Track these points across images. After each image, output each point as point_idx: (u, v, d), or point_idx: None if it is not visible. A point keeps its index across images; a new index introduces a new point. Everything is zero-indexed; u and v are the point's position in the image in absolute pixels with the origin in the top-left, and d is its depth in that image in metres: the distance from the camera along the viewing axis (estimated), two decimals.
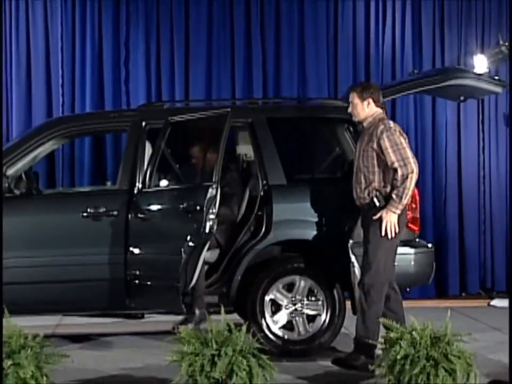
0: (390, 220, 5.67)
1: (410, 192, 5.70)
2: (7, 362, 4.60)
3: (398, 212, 5.69)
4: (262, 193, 6.47)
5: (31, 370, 4.61)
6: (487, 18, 9.47)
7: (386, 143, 5.72)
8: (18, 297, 6.07)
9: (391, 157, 5.70)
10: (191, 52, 9.23)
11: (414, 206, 6.48)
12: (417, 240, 6.63)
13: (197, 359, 4.82)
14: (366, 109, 5.90)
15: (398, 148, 5.71)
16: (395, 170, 5.70)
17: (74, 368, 5.54)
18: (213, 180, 5.93)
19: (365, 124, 5.94)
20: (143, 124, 6.50)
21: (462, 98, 7.40)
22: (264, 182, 6.46)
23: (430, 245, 6.77)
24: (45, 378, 4.67)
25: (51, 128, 6.60)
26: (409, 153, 5.72)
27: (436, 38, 9.47)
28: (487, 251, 9.49)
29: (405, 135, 5.84)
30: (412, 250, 6.47)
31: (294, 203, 6.46)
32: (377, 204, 5.73)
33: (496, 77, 7.53)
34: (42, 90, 9.09)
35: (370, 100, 5.88)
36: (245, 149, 7.06)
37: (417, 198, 6.56)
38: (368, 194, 5.81)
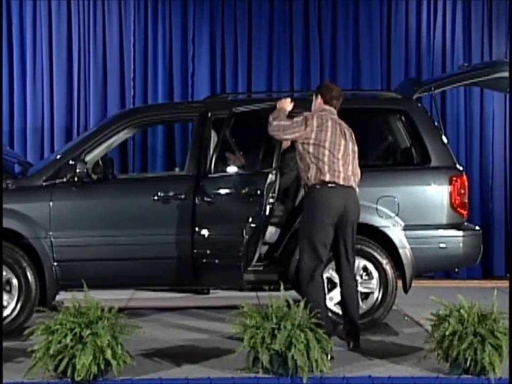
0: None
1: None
2: (86, 332, 4.68)
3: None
4: None
5: (107, 339, 4.67)
6: None
7: None
8: (96, 272, 6.18)
9: None
10: (253, 47, 9.25)
11: (462, 191, 6.40)
12: (465, 223, 6.54)
13: (258, 332, 4.85)
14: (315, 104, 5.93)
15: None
16: None
17: (145, 338, 5.60)
18: (273, 166, 5.93)
19: None
20: (209, 114, 6.52)
21: (509, 89, 7.24)
22: None
23: (477, 228, 6.68)
24: (119, 346, 4.73)
25: (124, 118, 6.65)
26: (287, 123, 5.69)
27: (485, 33, 9.31)
28: None
29: (313, 121, 5.73)
30: (460, 233, 6.39)
31: None
32: None
33: None
34: (116, 84, 9.19)
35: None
36: None
37: (466, 184, 6.46)
38: None
